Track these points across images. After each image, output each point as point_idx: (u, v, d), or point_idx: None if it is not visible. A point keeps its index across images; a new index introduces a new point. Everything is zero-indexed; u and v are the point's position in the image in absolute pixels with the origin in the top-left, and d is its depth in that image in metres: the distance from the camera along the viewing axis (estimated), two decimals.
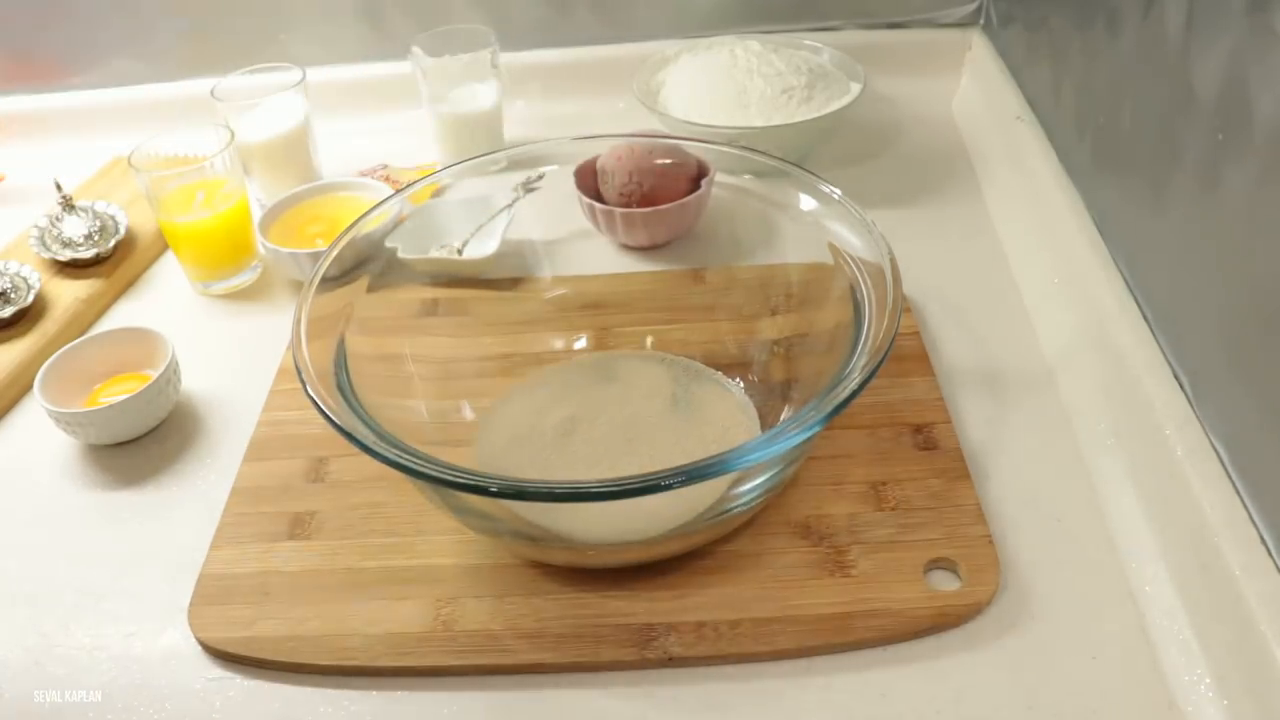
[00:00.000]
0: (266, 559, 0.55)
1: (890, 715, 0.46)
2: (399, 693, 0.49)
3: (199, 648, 0.52)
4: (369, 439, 0.45)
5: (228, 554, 0.55)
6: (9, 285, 0.73)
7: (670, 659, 0.49)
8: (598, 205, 0.75)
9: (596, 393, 0.63)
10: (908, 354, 0.65)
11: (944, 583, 0.51)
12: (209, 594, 0.53)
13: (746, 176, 0.64)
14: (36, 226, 0.79)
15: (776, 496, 0.55)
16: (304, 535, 0.56)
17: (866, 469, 0.57)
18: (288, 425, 0.64)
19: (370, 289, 0.58)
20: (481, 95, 0.91)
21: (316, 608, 0.52)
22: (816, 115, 0.83)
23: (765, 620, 0.50)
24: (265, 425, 0.64)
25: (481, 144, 0.90)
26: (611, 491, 0.43)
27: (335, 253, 0.56)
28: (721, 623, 0.50)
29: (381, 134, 0.99)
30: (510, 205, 0.72)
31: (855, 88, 0.87)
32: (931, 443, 0.59)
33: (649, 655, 0.49)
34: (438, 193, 0.78)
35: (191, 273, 0.79)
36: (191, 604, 0.53)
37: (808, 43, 0.94)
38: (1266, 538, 0.45)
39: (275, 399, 0.66)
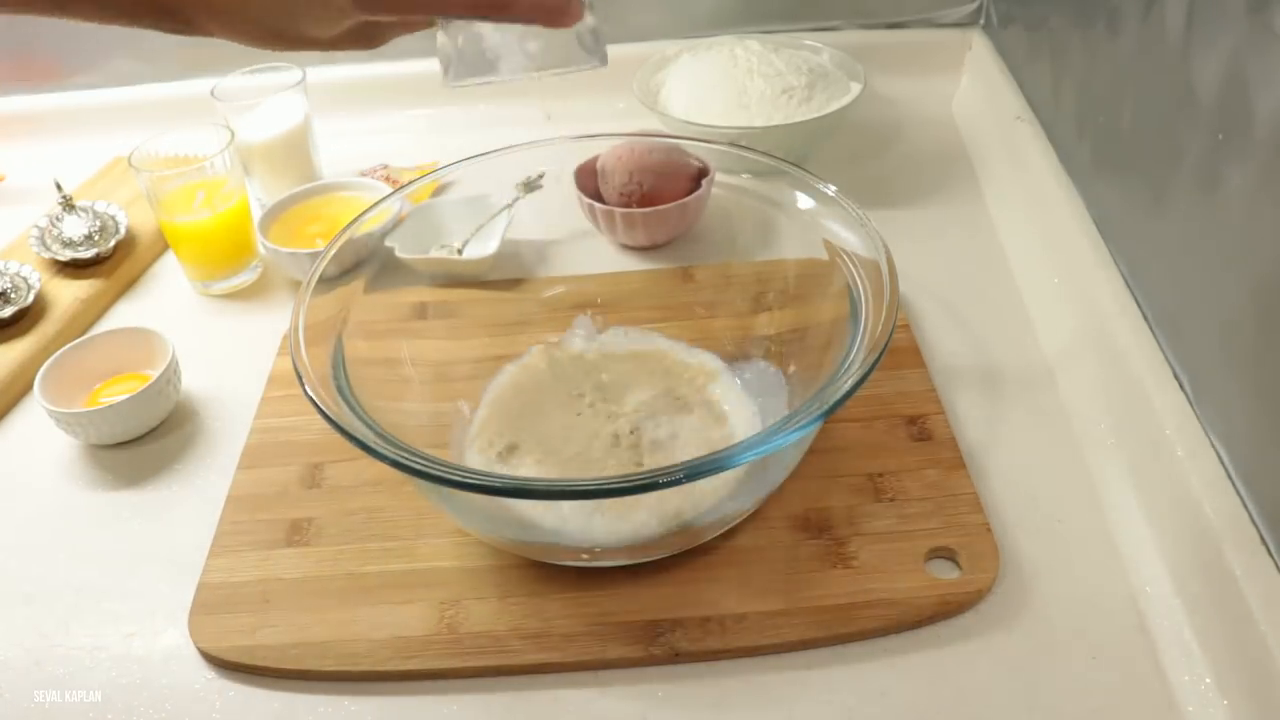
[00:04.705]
0: (266, 566, 0.55)
1: (891, 716, 0.46)
2: (403, 697, 0.49)
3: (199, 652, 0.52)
4: (371, 440, 0.45)
5: (226, 563, 0.55)
6: (9, 285, 0.73)
7: (677, 655, 0.49)
8: (598, 205, 0.75)
9: (592, 388, 0.63)
10: (899, 346, 0.65)
11: (944, 571, 0.52)
12: (209, 603, 0.53)
13: (745, 176, 0.64)
14: (36, 226, 0.79)
15: (776, 490, 0.55)
16: (303, 542, 0.56)
17: (863, 461, 0.58)
18: (281, 432, 0.63)
19: (368, 289, 0.58)
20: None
21: (319, 614, 0.52)
22: (816, 115, 0.83)
23: (770, 613, 0.50)
24: (258, 432, 0.64)
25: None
26: (611, 489, 0.43)
27: (333, 252, 0.56)
28: (727, 617, 0.50)
29: (381, 134, 0.99)
30: (510, 205, 0.72)
31: (855, 88, 0.87)
32: (926, 434, 0.59)
33: (655, 651, 0.49)
34: (437, 192, 0.78)
35: (191, 272, 0.79)
36: (191, 614, 0.53)
37: (808, 43, 0.94)
38: (1266, 538, 0.45)
39: (267, 406, 0.66)
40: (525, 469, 0.58)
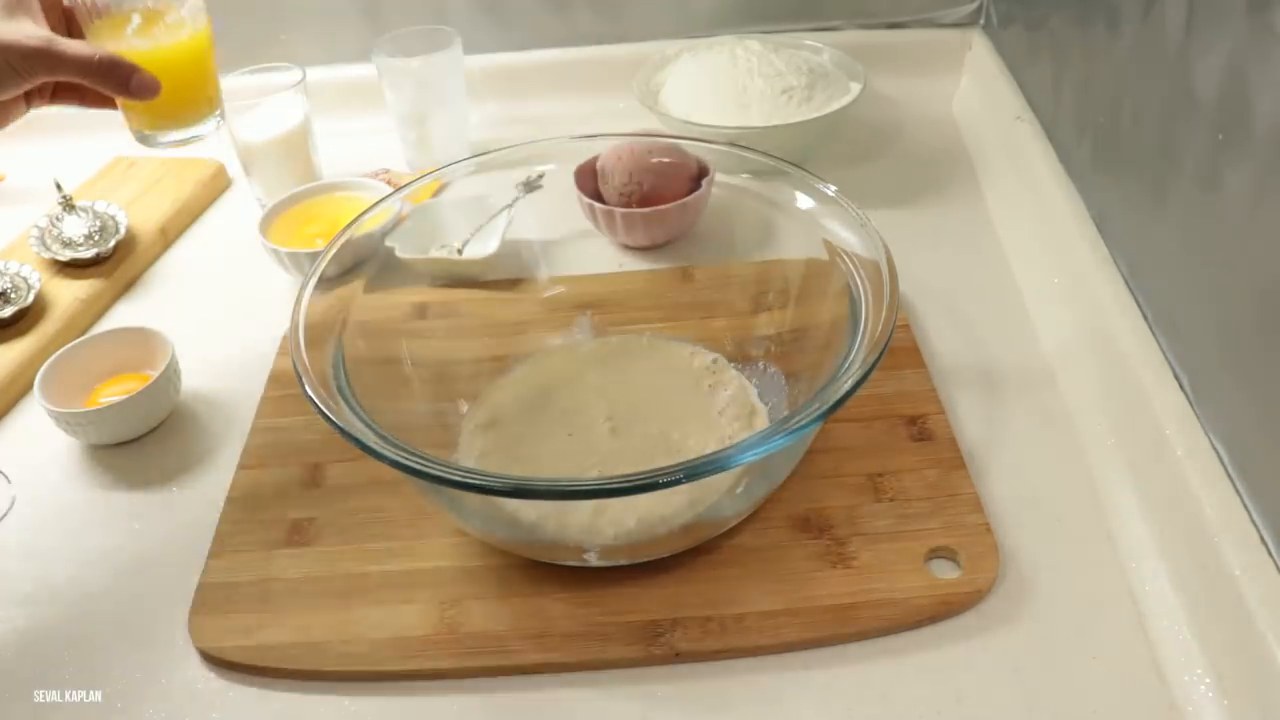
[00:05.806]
0: (266, 566, 0.55)
1: (891, 716, 0.46)
2: (403, 697, 0.49)
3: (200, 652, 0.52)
4: (371, 440, 0.45)
5: (226, 562, 0.55)
6: (9, 285, 0.73)
7: (677, 654, 0.49)
8: (598, 205, 0.75)
9: (593, 385, 0.63)
10: (899, 346, 0.65)
11: (944, 571, 0.52)
12: (209, 603, 0.53)
13: (744, 176, 0.64)
14: (36, 226, 0.79)
15: (777, 490, 0.55)
16: (303, 542, 0.56)
17: (863, 461, 0.58)
18: (281, 432, 0.63)
19: (368, 289, 0.58)
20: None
21: (319, 614, 0.52)
22: (816, 115, 0.83)
23: (770, 613, 0.50)
24: (258, 432, 0.64)
25: (450, 147, 0.91)
26: (611, 489, 0.43)
27: (333, 252, 0.56)
28: (727, 617, 0.50)
29: (381, 134, 0.99)
30: (510, 205, 0.72)
31: (855, 88, 0.87)
32: (926, 434, 0.59)
33: (656, 651, 0.49)
34: (437, 192, 0.78)
35: (131, 120, 0.62)
36: (191, 613, 0.53)
37: (808, 43, 0.94)
38: (1266, 538, 0.45)
39: (267, 405, 0.66)
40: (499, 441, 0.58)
